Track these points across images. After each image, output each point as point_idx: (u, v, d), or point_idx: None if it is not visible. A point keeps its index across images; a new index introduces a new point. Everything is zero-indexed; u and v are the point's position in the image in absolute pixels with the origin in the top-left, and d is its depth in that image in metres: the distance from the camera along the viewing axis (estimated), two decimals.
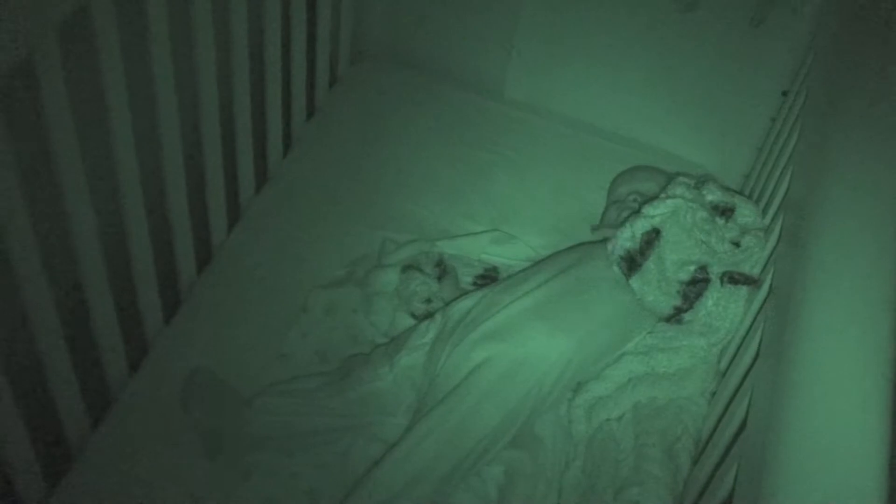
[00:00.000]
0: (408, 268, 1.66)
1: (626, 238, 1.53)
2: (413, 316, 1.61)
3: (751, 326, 1.36)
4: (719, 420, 1.32)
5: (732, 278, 1.48)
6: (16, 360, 1.19)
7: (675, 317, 1.51)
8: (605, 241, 1.59)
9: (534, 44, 2.06)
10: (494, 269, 1.73)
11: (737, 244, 1.52)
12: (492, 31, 2.07)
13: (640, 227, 1.53)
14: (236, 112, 1.63)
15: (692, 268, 1.50)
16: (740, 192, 1.75)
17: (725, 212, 1.58)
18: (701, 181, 1.64)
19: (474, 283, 1.69)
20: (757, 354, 1.21)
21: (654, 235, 1.52)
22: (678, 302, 1.50)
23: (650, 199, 1.59)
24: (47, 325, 1.21)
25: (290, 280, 1.66)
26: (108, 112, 1.23)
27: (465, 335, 1.46)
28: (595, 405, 1.49)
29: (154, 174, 1.42)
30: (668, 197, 1.55)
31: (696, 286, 1.49)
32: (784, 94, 1.83)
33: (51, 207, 1.19)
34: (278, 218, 1.77)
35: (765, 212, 1.58)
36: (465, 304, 1.53)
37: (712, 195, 1.60)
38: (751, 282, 1.47)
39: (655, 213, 1.53)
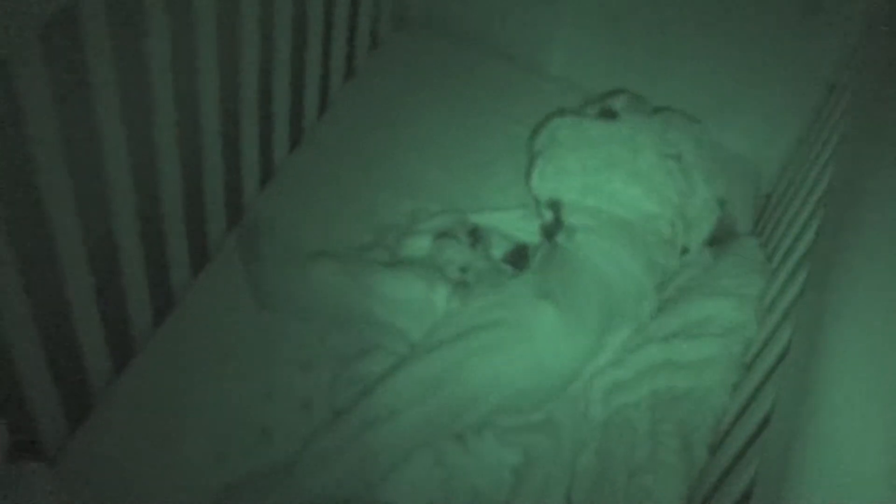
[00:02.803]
0: (442, 235, 1.65)
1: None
2: None
3: (780, 321, 1.34)
4: (741, 413, 1.31)
5: None
6: (43, 303, 1.20)
7: None
8: None
9: (578, 21, 2.03)
10: (525, 246, 1.72)
11: None
12: (537, 5, 2.04)
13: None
14: (275, 71, 1.62)
15: None
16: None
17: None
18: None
19: (504, 261, 1.68)
20: (786, 350, 1.20)
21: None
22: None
23: None
24: (77, 270, 1.22)
25: (317, 242, 1.65)
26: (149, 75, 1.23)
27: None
28: (613, 389, 1.48)
29: (189, 129, 1.42)
30: None
31: None
32: (830, 88, 1.80)
33: (85, 153, 1.20)
34: (310, 180, 1.76)
35: (803, 206, 1.56)
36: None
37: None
38: None
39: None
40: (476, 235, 1.67)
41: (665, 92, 2.03)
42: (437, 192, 1.79)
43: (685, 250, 1.66)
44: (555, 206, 1.66)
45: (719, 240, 1.74)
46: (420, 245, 1.65)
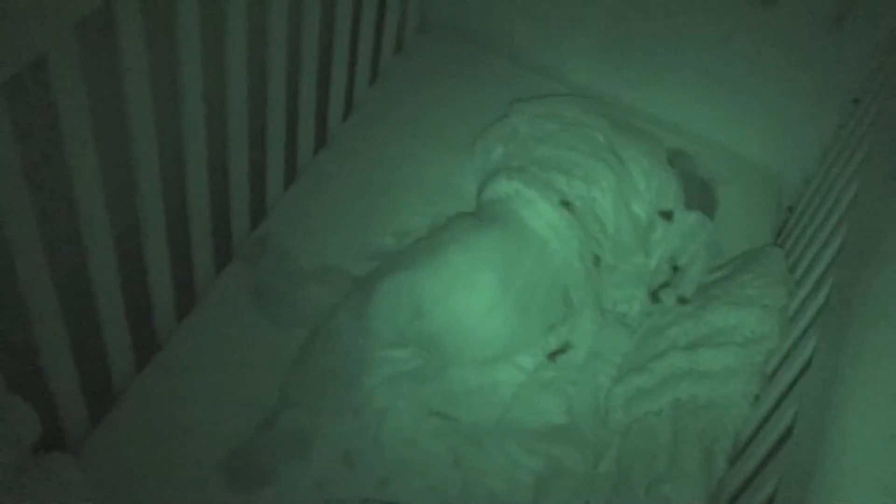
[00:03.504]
0: None
1: None
2: None
3: (803, 333, 1.34)
4: (761, 424, 1.31)
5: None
6: (70, 299, 1.21)
7: None
8: None
9: (599, 30, 2.04)
10: None
11: None
12: (560, 11, 2.05)
13: None
14: (302, 73, 1.64)
15: None
16: None
17: None
18: None
19: None
20: (808, 363, 1.20)
21: None
22: None
23: None
24: (104, 267, 1.23)
25: (338, 244, 1.66)
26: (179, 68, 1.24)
27: None
28: (634, 396, 1.48)
29: (216, 129, 1.43)
30: None
31: None
32: (855, 101, 1.80)
33: (116, 152, 1.21)
34: (333, 181, 1.77)
35: (827, 218, 1.56)
36: None
37: None
38: None
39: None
40: None
41: (687, 102, 2.03)
42: (459, 198, 1.79)
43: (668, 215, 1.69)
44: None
45: (692, 195, 1.77)
46: None
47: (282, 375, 1.43)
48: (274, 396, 1.40)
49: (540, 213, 1.55)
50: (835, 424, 0.94)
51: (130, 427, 1.35)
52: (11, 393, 0.92)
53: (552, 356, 1.54)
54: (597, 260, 1.59)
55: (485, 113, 1.91)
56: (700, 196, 1.80)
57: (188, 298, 1.53)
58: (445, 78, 2.05)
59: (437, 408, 1.45)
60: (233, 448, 1.33)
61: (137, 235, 1.32)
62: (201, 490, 1.30)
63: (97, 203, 1.16)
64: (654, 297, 1.63)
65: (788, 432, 1.14)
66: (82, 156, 1.10)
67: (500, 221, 1.54)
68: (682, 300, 1.61)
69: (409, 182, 1.81)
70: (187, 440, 1.34)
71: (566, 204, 1.57)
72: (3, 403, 0.85)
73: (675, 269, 1.68)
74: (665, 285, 1.65)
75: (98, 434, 1.33)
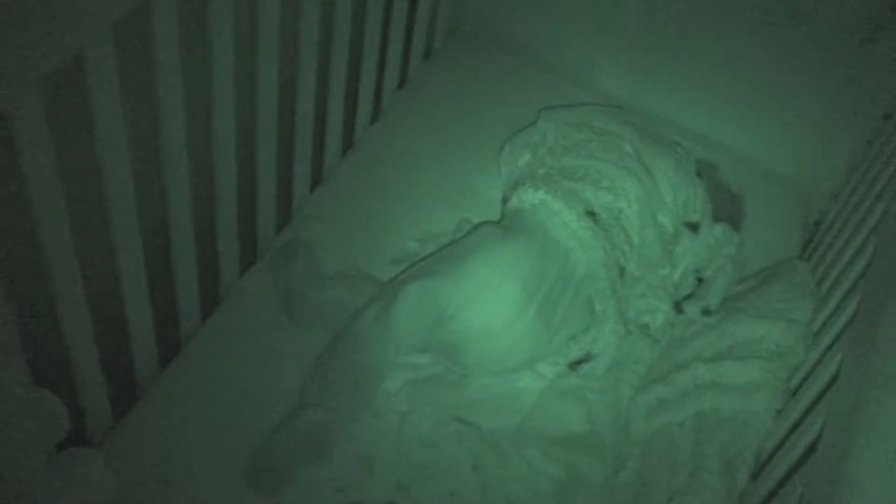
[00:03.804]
0: None
1: None
2: None
3: (829, 348, 1.33)
4: (785, 439, 1.30)
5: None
6: (98, 295, 1.22)
7: None
8: None
9: (630, 39, 2.03)
10: None
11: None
12: (592, 20, 2.05)
13: None
14: (332, 77, 1.64)
15: None
16: None
17: None
18: None
19: None
20: (834, 378, 1.19)
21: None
22: None
23: None
24: (132, 264, 1.24)
25: (363, 247, 1.66)
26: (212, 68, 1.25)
27: None
28: (656, 407, 1.47)
29: (246, 130, 1.44)
30: None
31: None
32: (886, 117, 1.79)
33: (145, 148, 1.22)
34: (359, 184, 1.78)
35: (854, 234, 1.54)
36: None
37: None
38: None
39: None
40: None
41: (717, 113, 2.03)
42: (484, 205, 1.79)
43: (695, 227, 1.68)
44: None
45: (720, 206, 1.76)
46: None
47: (304, 377, 1.43)
48: (296, 397, 1.41)
49: (566, 224, 1.55)
50: (860, 440, 0.94)
51: (153, 425, 1.36)
52: (39, 387, 0.93)
53: (573, 366, 1.54)
54: (621, 271, 1.58)
55: (512, 120, 1.91)
56: (728, 208, 1.79)
57: (212, 299, 1.54)
58: (474, 84, 2.06)
59: (457, 413, 1.45)
60: (254, 448, 1.34)
61: (165, 235, 1.34)
62: (222, 489, 1.31)
63: (127, 203, 1.17)
64: (678, 308, 1.62)
65: (812, 447, 1.13)
66: (115, 155, 1.11)
67: (525, 231, 1.54)
68: (707, 312, 1.60)
69: (434, 187, 1.81)
70: (209, 439, 1.35)
71: (592, 214, 1.57)
72: (33, 397, 0.86)
73: (700, 280, 1.67)
74: (689, 297, 1.65)
75: (120, 432, 1.34)
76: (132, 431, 1.34)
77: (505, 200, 1.68)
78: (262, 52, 1.37)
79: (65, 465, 0.92)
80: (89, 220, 1.17)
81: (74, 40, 0.96)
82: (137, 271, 1.26)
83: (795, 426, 1.28)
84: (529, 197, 1.59)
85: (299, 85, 1.54)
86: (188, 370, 1.43)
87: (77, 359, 1.20)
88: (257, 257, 1.62)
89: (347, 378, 1.40)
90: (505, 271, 1.47)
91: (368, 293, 1.50)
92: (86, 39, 0.98)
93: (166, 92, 1.17)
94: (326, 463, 1.35)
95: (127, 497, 1.21)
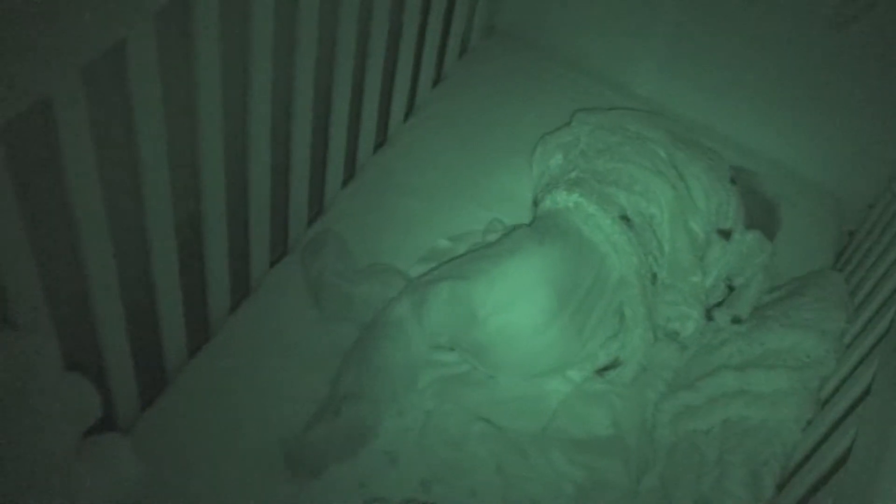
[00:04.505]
0: None
1: None
2: None
3: (863, 359, 1.32)
4: (814, 449, 1.28)
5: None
6: (130, 282, 1.23)
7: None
8: None
9: (667, 44, 2.02)
10: None
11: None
12: (627, 24, 2.04)
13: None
14: (368, 73, 1.65)
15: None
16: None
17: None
18: None
19: None
20: (867, 390, 1.17)
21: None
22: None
23: None
24: (165, 254, 1.25)
25: (393, 243, 1.67)
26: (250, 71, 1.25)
27: None
28: (682, 413, 1.46)
29: (281, 125, 1.45)
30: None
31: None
32: None
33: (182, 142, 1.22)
34: (391, 181, 1.78)
35: (891, 246, 1.52)
36: None
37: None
38: None
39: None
40: None
41: (753, 119, 2.01)
42: (515, 206, 1.78)
43: (727, 234, 1.67)
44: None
45: (755, 213, 1.74)
46: None
47: (331, 369, 1.43)
48: (322, 389, 1.41)
49: (600, 228, 1.54)
50: (893, 453, 0.92)
51: (180, 412, 1.37)
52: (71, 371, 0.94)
53: (601, 372, 1.53)
54: (653, 277, 1.57)
55: (546, 121, 1.91)
56: (762, 216, 1.77)
57: (243, 289, 1.55)
58: (508, 84, 2.05)
59: (483, 413, 1.45)
60: (280, 437, 1.34)
61: (198, 225, 1.34)
62: (248, 476, 1.31)
63: (163, 192, 1.18)
64: (708, 315, 1.61)
65: (843, 460, 1.12)
66: (153, 144, 1.12)
67: (561, 236, 1.53)
68: (737, 320, 1.59)
69: (465, 186, 1.81)
70: (235, 429, 1.36)
71: (626, 219, 1.56)
72: (65, 381, 0.86)
73: (731, 288, 1.66)
74: (720, 304, 1.63)
75: (148, 418, 1.35)
76: (159, 419, 1.35)
77: (536, 202, 1.67)
78: (299, 46, 1.37)
79: (93, 450, 0.93)
80: (124, 208, 1.18)
81: (117, 29, 0.97)
82: (170, 260, 1.27)
83: (825, 438, 1.26)
84: (564, 199, 1.58)
85: (335, 80, 1.54)
86: (216, 360, 1.44)
87: (108, 345, 1.21)
88: (288, 250, 1.63)
89: (385, 370, 1.40)
90: (540, 277, 1.47)
91: (397, 287, 1.50)
92: (128, 28, 0.99)
93: (204, 82, 1.17)
94: (354, 458, 1.35)
95: (152, 483, 1.22)
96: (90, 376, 0.96)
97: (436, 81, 2.02)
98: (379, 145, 1.85)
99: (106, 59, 0.98)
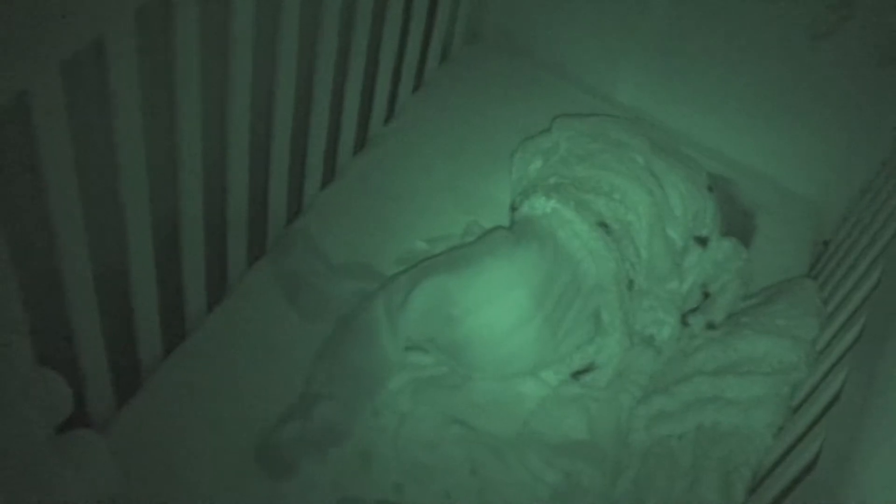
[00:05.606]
0: None
1: None
2: None
3: (832, 367, 1.33)
4: (784, 455, 1.30)
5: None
6: (106, 281, 1.22)
7: None
8: None
9: (650, 52, 2.03)
10: None
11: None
12: (610, 31, 2.05)
13: None
14: (349, 77, 1.65)
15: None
16: None
17: None
18: None
19: None
20: (837, 396, 1.19)
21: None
22: None
23: None
24: (141, 251, 1.25)
25: (371, 244, 1.67)
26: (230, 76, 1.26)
27: None
28: (657, 418, 1.47)
29: (261, 125, 1.45)
30: None
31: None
32: None
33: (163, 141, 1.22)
34: (370, 183, 1.78)
35: (863, 254, 1.54)
36: None
37: None
38: None
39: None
40: None
41: (732, 129, 2.03)
42: (494, 210, 1.79)
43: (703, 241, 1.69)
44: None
45: (732, 221, 1.76)
46: None
47: (307, 368, 1.43)
48: (299, 388, 1.41)
49: (577, 234, 1.55)
50: (860, 459, 0.94)
51: (155, 411, 1.36)
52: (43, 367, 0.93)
53: (576, 375, 1.54)
54: (630, 283, 1.58)
55: (527, 126, 1.91)
56: (738, 223, 1.78)
57: (220, 289, 1.55)
58: (489, 89, 2.06)
59: (458, 415, 1.45)
60: (256, 437, 1.34)
61: (175, 223, 1.34)
62: (223, 476, 1.31)
63: (140, 191, 1.18)
64: (684, 321, 1.62)
65: (812, 465, 1.13)
66: (131, 142, 1.12)
67: (537, 239, 1.54)
68: (711, 326, 1.60)
69: (444, 189, 1.81)
70: (211, 427, 1.36)
71: (604, 225, 1.57)
72: (36, 376, 0.86)
73: (707, 294, 1.67)
74: (695, 310, 1.64)
75: (122, 417, 1.34)
76: (134, 418, 1.34)
77: (514, 207, 1.68)
78: (280, 48, 1.37)
79: (68, 446, 0.93)
80: (101, 205, 1.18)
81: (97, 24, 0.97)
82: (146, 258, 1.27)
83: (795, 443, 1.28)
84: (541, 205, 1.59)
85: (316, 81, 1.54)
86: (192, 359, 1.44)
87: (82, 341, 1.20)
88: (267, 250, 1.63)
89: (357, 370, 1.40)
90: (516, 277, 1.48)
91: (374, 287, 1.50)
92: (109, 24, 0.99)
93: (184, 81, 1.17)
94: (325, 458, 1.35)
95: (127, 482, 1.21)
96: (64, 373, 0.95)
97: (417, 86, 2.03)
98: (359, 148, 1.85)
99: (86, 55, 0.98)
